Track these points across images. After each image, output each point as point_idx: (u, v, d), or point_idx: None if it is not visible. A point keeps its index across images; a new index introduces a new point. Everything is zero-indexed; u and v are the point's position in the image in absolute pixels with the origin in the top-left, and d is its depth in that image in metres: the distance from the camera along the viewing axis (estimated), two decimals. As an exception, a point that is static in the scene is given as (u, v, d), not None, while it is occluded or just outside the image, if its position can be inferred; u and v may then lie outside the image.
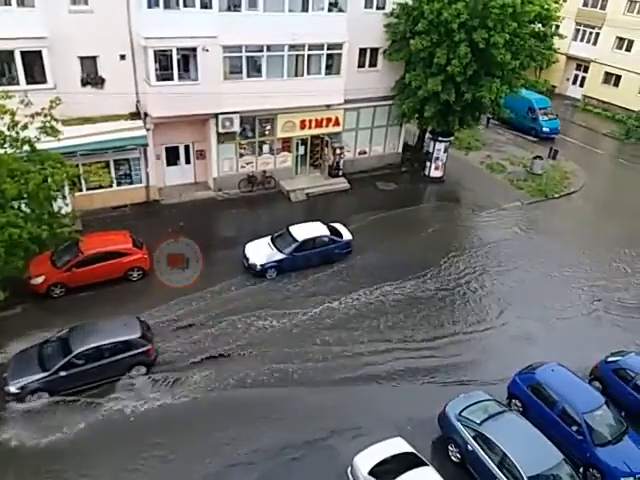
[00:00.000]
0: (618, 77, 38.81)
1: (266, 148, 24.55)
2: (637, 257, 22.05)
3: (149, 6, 19.03)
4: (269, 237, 19.82)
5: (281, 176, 25.08)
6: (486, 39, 21.40)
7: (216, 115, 21.98)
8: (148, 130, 21.28)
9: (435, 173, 27.50)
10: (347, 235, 20.62)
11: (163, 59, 20.13)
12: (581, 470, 12.73)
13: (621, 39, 38.15)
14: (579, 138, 35.10)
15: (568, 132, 35.55)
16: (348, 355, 15.96)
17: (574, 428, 13.08)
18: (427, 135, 28.08)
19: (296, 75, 22.75)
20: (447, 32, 22.04)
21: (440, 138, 26.60)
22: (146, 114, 20.98)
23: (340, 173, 25.86)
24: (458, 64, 21.93)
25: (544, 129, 33.90)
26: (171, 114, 20.80)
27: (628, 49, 37.90)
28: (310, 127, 24.60)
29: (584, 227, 24.71)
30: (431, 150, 27.18)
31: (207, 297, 17.62)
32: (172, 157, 23.37)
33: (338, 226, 21.00)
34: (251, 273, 18.86)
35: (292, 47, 22.01)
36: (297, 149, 25.36)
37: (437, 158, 27.17)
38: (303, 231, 19.67)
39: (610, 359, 15.41)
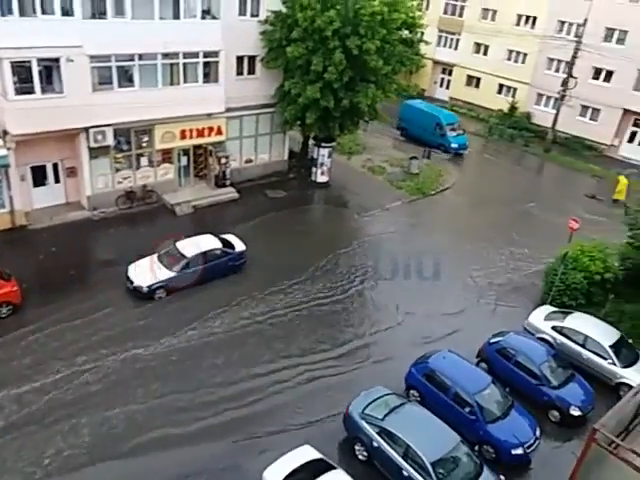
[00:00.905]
0: (478, 79, 42.41)
1: (145, 161, 23.39)
2: (507, 243, 24.06)
3: (2, 14, 17.33)
4: (155, 255, 18.86)
5: (164, 189, 24.04)
6: (359, 46, 22.23)
7: (86, 129, 20.50)
8: (9, 149, 19.32)
9: (321, 178, 28.05)
10: (240, 246, 20.24)
11: (22, 71, 18.34)
12: (476, 448, 13.58)
13: (478, 44, 41.73)
14: (450, 137, 37.81)
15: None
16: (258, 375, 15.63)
17: (467, 409, 13.91)
18: (311, 141, 28.57)
19: (172, 84, 21.96)
20: (322, 39, 22.57)
21: (323, 144, 27.16)
22: (5, 132, 19.03)
23: (227, 183, 25.41)
24: (334, 71, 22.54)
25: (452, 145, 33.78)
26: (34, 130, 19.04)
27: (485, 53, 41.58)
28: (191, 137, 23.87)
29: (459, 219, 26.56)
30: (316, 156, 27.67)
31: (78, 328, 16.23)
32: (39, 177, 21.38)
33: (230, 237, 20.54)
34: (137, 296, 17.82)
35: (165, 55, 21.22)
36: (179, 160, 24.47)
37: (322, 164, 27.74)
38: (192, 246, 18.95)
39: (492, 340, 16.59)
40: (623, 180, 29.15)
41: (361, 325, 18.08)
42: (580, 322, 17.20)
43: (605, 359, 16.11)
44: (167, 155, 23.91)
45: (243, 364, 15.74)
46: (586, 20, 32.54)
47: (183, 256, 18.54)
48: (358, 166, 30.80)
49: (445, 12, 43.26)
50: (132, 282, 17.93)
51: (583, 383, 15.46)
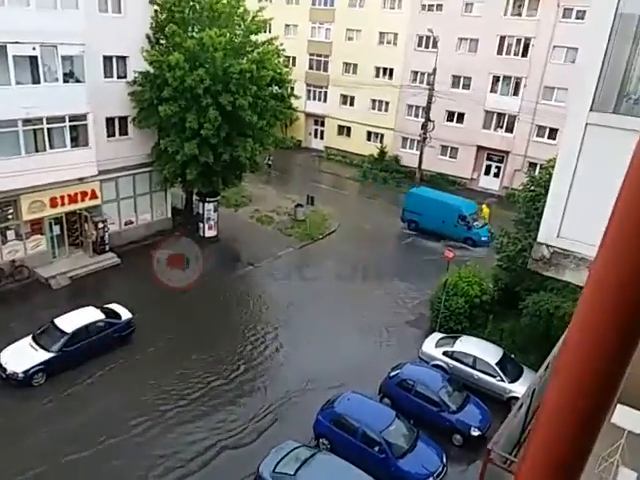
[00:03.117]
0: (349, 128, 45.10)
1: (11, 234, 21.50)
2: (394, 277, 25.18)
3: None
4: (30, 336, 17.10)
5: (36, 263, 22.14)
6: (232, 102, 22.69)
7: (-63, 204, 18.51)
8: None
9: (209, 233, 27.66)
10: (126, 314, 19.05)
11: None
12: (390, 486, 13.68)
13: (345, 96, 44.58)
14: (329, 184, 39.47)
15: (320, 179, 39.73)
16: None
17: (376, 448, 14.05)
18: (194, 197, 28.20)
19: (37, 150, 20.68)
20: (194, 97, 22.73)
21: (207, 199, 26.97)
22: None
23: (107, 248, 24.06)
24: (210, 127, 22.71)
25: (482, 238, 28.94)
26: None
27: (352, 104, 44.46)
28: (63, 204, 22.46)
29: (347, 259, 27.39)
30: (201, 211, 27.33)
31: None
32: None
33: (114, 306, 19.29)
34: (13, 385, 15.92)
35: (27, 121, 20.00)
36: (51, 230, 22.81)
37: (209, 218, 27.44)
38: (72, 321, 17.50)
39: (392, 374, 17.11)
40: (485, 209, 32.27)
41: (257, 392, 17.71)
42: (467, 345, 18.38)
43: (494, 377, 17.28)
44: (37, 225, 22.20)
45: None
46: (435, 70, 36.32)
47: (62, 332, 17.03)
48: (246, 217, 30.90)
49: (311, 67, 45.83)
50: (4, 369, 16.01)
51: (478, 403, 16.39)
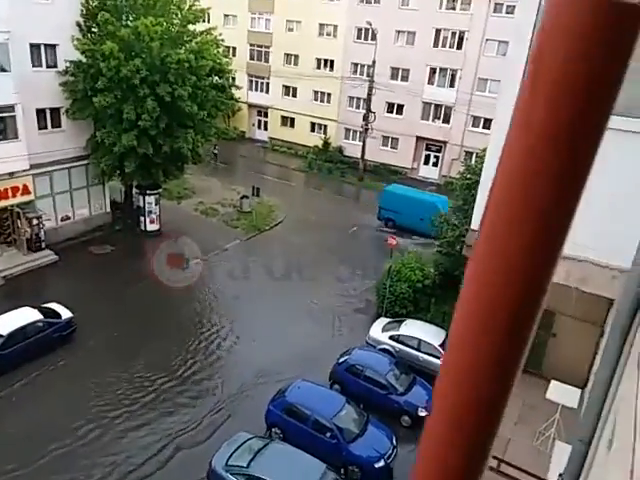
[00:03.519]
0: (292, 119, 45.01)
1: None
2: (340, 266, 25.52)
3: None
4: (-39, 341, 16.19)
5: (-36, 263, 20.90)
6: (170, 93, 22.15)
7: None
8: None
9: (151, 227, 26.96)
10: (66, 313, 18.35)
11: None
12: (342, 471, 13.98)
13: (287, 87, 44.41)
14: (274, 175, 39.32)
15: (265, 171, 39.51)
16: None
17: (328, 434, 14.31)
18: (134, 190, 27.37)
19: (-40, 144, 19.45)
20: (130, 88, 22.01)
21: (148, 191, 26.25)
22: None
23: (43, 245, 23.00)
24: (149, 118, 22.08)
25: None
26: None
27: (294, 95, 44.37)
28: (-8, 201, 21.28)
29: (294, 250, 27.46)
30: (142, 204, 26.57)
31: None
32: None
33: (53, 305, 18.54)
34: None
35: (-53, 113, 18.77)
36: (-20, 228, 21.59)
37: (150, 212, 26.72)
38: (6, 323, 16.68)
39: (341, 360, 17.42)
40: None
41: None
42: (412, 328, 18.99)
43: (438, 358, 17.95)
44: (-38, 224, 20.93)
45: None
46: (374, 62, 36.85)
47: (-3, 335, 16.20)
48: (190, 210, 30.31)
49: (252, 58, 45.33)
50: None
51: (425, 384, 16.94)
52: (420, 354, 18.22)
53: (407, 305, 20.83)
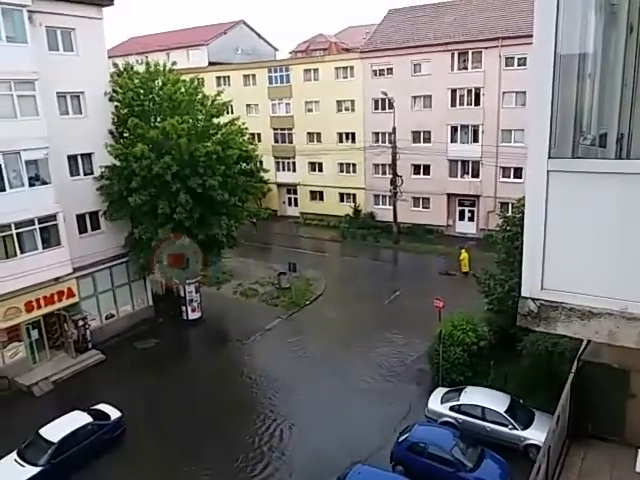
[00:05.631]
0: (321, 193, 45.79)
1: (-13, 346, 20.62)
2: (386, 336, 24.68)
3: None
4: (14, 452, 15.97)
5: (17, 372, 21.17)
6: (201, 184, 22.84)
7: None
8: None
9: (193, 315, 27.03)
10: (115, 413, 18.10)
11: None
12: None
13: (312, 163, 45.60)
14: (309, 248, 39.50)
15: (299, 245, 39.76)
16: None
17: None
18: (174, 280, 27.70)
19: (8, 257, 20.19)
20: (163, 184, 22.83)
21: (188, 280, 26.52)
22: None
23: (89, 346, 23.23)
24: (183, 211, 22.70)
25: None
26: None
27: (320, 170, 45.41)
28: (40, 307, 21.73)
29: (337, 322, 26.89)
30: (183, 294, 26.81)
31: None
32: None
33: (102, 406, 18.36)
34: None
35: (-5, 229, 19.72)
36: (29, 335, 21.99)
37: (191, 300, 26.90)
38: (57, 429, 16.49)
39: (400, 439, 16.23)
40: (464, 253, 32.40)
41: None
42: (474, 396, 17.70)
43: (506, 425, 16.56)
44: (14, 333, 21.40)
45: None
46: (394, 129, 37.54)
47: (48, 443, 15.96)
48: (230, 293, 30.37)
49: (276, 141, 47.08)
50: (-14, 496, 14.82)
51: (495, 457, 15.55)
52: (486, 424, 16.84)
53: (464, 371, 19.58)
